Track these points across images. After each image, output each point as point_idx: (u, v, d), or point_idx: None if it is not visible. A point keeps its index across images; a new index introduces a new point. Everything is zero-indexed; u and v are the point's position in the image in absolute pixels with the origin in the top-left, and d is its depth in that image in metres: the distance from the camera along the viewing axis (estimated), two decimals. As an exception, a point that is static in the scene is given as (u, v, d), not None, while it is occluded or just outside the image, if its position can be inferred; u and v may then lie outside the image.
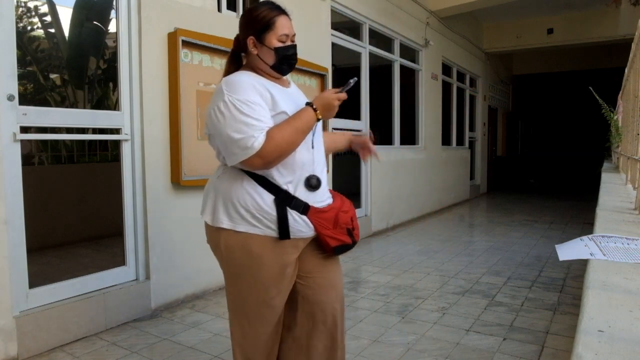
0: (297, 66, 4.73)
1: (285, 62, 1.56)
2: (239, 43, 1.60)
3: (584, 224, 6.42)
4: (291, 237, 1.50)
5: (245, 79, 1.47)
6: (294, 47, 1.58)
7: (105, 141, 6.10)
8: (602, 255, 1.26)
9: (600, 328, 0.79)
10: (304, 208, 1.51)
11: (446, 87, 8.49)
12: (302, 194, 1.51)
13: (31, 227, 2.65)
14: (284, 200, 1.49)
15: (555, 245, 1.45)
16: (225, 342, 2.67)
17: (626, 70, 4.20)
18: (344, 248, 1.61)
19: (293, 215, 1.49)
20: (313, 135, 1.55)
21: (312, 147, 1.56)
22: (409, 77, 7.29)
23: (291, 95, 1.59)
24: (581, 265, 3.99)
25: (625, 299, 0.94)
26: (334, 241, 1.57)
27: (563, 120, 15.20)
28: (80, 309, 2.72)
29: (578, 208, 8.14)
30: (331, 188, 1.73)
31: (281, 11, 1.55)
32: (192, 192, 3.35)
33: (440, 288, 3.66)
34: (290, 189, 1.50)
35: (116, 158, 4.04)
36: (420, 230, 6.22)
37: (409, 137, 7.37)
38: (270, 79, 1.58)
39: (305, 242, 1.58)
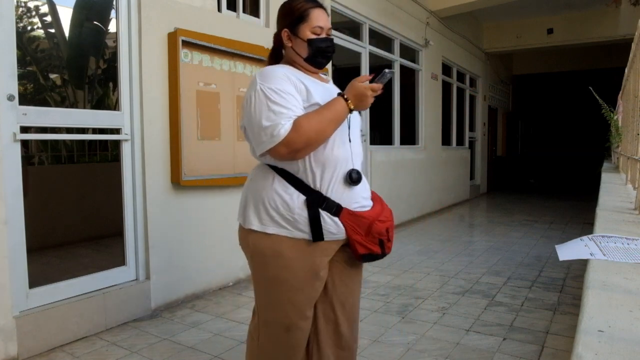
0: (297, 66, 4.68)
1: (319, 55, 1.54)
2: (277, 38, 1.59)
3: (584, 224, 6.42)
4: (325, 239, 1.46)
5: (278, 69, 1.46)
6: (329, 39, 1.55)
7: (105, 141, 6.10)
8: (602, 255, 1.26)
9: (600, 328, 0.79)
10: (336, 209, 1.45)
11: (446, 87, 8.49)
12: (336, 193, 1.46)
13: (31, 227, 2.64)
14: (316, 200, 1.43)
15: (555, 246, 1.45)
16: (225, 342, 2.67)
17: (626, 70, 4.20)
18: (372, 257, 1.54)
19: (324, 217, 1.44)
20: (349, 128, 1.50)
21: (350, 141, 1.52)
22: (409, 77, 7.29)
23: (328, 90, 1.54)
24: (581, 265, 3.99)
25: (625, 299, 0.94)
26: (362, 248, 1.50)
27: (563, 120, 15.20)
28: (80, 309, 2.72)
29: (578, 208, 8.14)
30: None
31: (316, 4, 1.54)
32: (192, 192, 3.35)
33: (440, 288, 3.66)
34: (324, 188, 1.45)
35: (116, 158, 4.03)
36: (420, 230, 6.22)
37: (409, 137, 7.37)
38: (306, 72, 1.55)
39: (337, 245, 1.53)
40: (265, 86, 1.40)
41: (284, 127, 1.36)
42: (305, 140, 1.37)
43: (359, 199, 1.51)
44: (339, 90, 1.56)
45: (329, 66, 4.88)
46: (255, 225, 1.47)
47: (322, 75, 1.66)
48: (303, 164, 1.44)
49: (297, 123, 1.37)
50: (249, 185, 1.54)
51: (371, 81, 1.46)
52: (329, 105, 1.42)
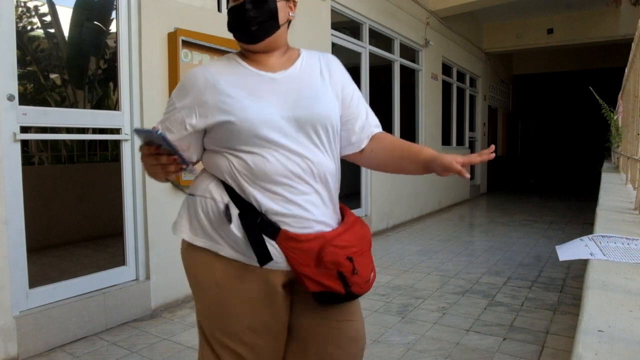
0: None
1: (236, 26, 1.17)
2: None
3: (584, 224, 6.42)
4: (250, 264, 1.16)
5: (193, 72, 1.19)
6: (239, 5, 1.15)
7: (105, 141, 6.10)
8: (602, 255, 1.26)
9: (600, 328, 0.79)
10: (272, 229, 1.12)
11: (446, 87, 8.49)
12: (276, 211, 1.13)
13: (31, 227, 2.65)
14: (251, 216, 1.13)
15: (556, 246, 1.45)
16: (225, 342, 2.67)
17: (626, 70, 4.20)
18: (331, 297, 1.15)
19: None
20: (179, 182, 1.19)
21: (295, 151, 1.13)
22: (409, 77, 7.29)
23: (282, 83, 1.18)
24: (581, 265, 3.99)
25: (625, 299, 0.94)
26: (313, 285, 1.13)
27: (563, 120, 15.20)
28: (80, 309, 2.72)
29: (578, 208, 8.14)
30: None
31: None
32: (192, 192, 3.35)
33: (440, 288, 3.66)
34: (259, 202, 1.13)
35: (116, 158, 4.04)
36: (420, 230, 6.22)
37: (409, 137, 7.37)
38: (251, 59, 1.22)
39: (286, 277, 1.19)
40: (173, 93, 1.21)
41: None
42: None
43: (301, 219, 1.14)
44: (311, 77, 1.24)
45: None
46: (187, 235, 1.32)
47: (302, 50, 1.30)
48: (233, 178, 1.16)
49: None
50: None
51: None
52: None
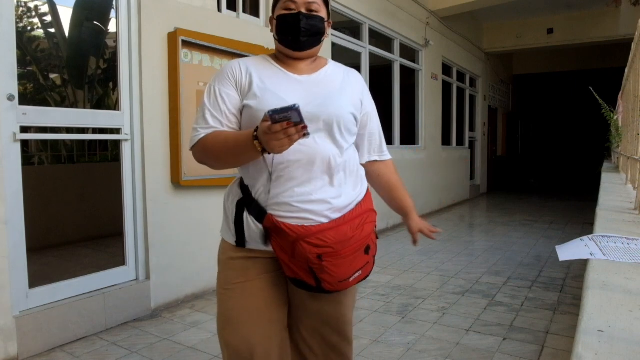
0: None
1: (284, 31, 1.31)
2: None
3: (584, 224, 6.42)
4: (247, 246, 1.29)
5: (230, 63, 1.35)
6: (295, 14, 1.29)
7: (105, 141, 6.10)
8: (602, 255, 1.26)
9: (600, 328, 0.79)
10: (258, 214, 1.25)
11: (446, 87, 8.49)
12: (268, 197, 1.25)
13: (31, 227, 2.65)
14: (245, 201, 1.28)
15: (556, 246, 1.45)
16: (225, 342, 2.67)
17: (626, 70, 4.20)
18: (303, 285, 1.27)
19: (249, 221, 1.27)
20: (267, 163, 1.26)
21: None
22: (409, 77, 7.29)
23: (305, 85, 1.32)
24: (581, 265, 3.99)
25: (625, 299, 0.94)
26: (288, 270, 1.25)
27: (563, 120, 15.20)
28: (80, 309, 2.72)
29: (578, 208, 8.14)
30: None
31: None
32: (192, 192, 3.35)
33: (440, 288, 3.66)
34: (255, 188, 1.28)
35: (116, 158, 4.04)
36: (420, 230, 6.21)
37: (409, 137, 7.37)
38: (284, 63, 1.36)
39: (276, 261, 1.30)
40: (211, 85, 1.33)
41: (197, 137, 1.29)
42: (203, 158, 1.30)
43: (299, 205, 1.24)
44: (340, 83, 1.38)
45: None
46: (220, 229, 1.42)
47: (329, 60, 1.45)
48: (242, 166, 1.33)
49: (203, 141, 1.27)
50: None
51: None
52: (237, 139, 1.22)
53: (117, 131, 3.05)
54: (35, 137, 4.95)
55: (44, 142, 5.83)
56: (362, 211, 1.33)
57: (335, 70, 1.41)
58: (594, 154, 11.31)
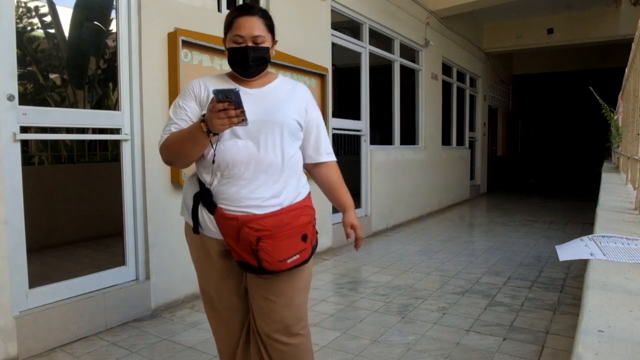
0: (296, 66, 4.69)
1: (239, 64, 1.54)
2: None
3: (584, 224, 6.42)
4: (201, 232, 1.56)
5: (192, 82, 1.59)
6: (241, 50, 1.51)
7: (105, 141, 6.10)
8: (602, 255, 1.26)
9: (600, 328, 0.79)
10: (211, 206, 1.50)
11: (446, 87, 8.49)
12: (219, 192, 1.49)
13: (31, 227, 2.65)
14: (200, 194, 1.53)
15: (556, 246, 1.45)
16: (225, 342, 2.67)
17: (626, 70, 4.20)
18: (249, 267, 1.49)
19: (203, 213, 1.52)
20: (212, 143, 1.45)
21: (247, 146, 1.48)
22: (409, 77, 7.29)
23: (254, 97, 1.54)
24: (581, 265, 3.99)
25: (625, 299, 0.94)
26: (235, 254, 1.51)
27: (563, 120, 15.19)
28: (80, 309, 2.72)
29: (578, 208, 8.14)
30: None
31: (244, 12, 1.52)
32: (192, 192, 3.35)
33: (440, 288, 3.66)
34: (211, 185, 1.51)
35: (116, 158, 4.03)
36: (420, 230, 6.22)
37: (409, 137, 7.37)
38: (239, 81, 1.59)
39: (222, 246, 1.57)
40: (176, 100, 1.58)
41: (161, 141, 1.53)
42: (166, 154, 1.53)
43: (241, 202, 1.47)
44: (287, 93, 1.62)
45: (329, 66, 4.88)
46: (180, 212, 1.67)
47: (279, 75, 1.67)
48: (199, 163, 1.55)
49: (165, 140, 1.51)
50: None
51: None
52: (189, 126, 1.47)
53: (117, 131, 3.05)
54: (35, 137, 4.95)
55: (44, 142, 5.83)
56: (300, 206, 1.55)
57: (282, 84, 1.64)
58: (594, 154, 11.31)
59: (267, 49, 1.55)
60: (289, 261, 1.47)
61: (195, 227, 1.56)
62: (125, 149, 3.04)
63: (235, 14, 1.52)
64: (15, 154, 2.45)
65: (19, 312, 2.47)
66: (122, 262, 3.08)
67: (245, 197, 1.47)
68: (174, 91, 3.19)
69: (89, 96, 5.83)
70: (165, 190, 3.20)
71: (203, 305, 1.80)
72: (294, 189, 1.55)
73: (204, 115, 1.38)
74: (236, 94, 1.28)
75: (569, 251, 1.33)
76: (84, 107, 5.66)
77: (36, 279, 2.62)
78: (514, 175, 12.85)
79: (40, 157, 6.01)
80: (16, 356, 2.41)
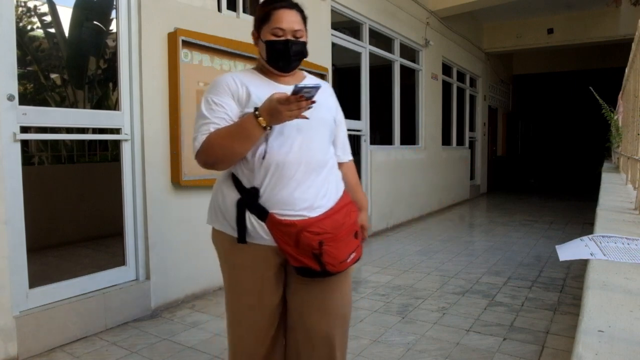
0: (297, 66, 4.65)
1: (277, 58, 1.46)
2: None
3: (584, 224, 6.42)
4: (248, 241, 1.43)
5: (223, 78, 1.46)
6: (286, 42, 1.44)
7: (105, 141, 6.10)
8: (602, 255, 1.25)
9: (600, 328, 0.79)
10: (261, 213, 1.40)
11: (446, 87, 8.49)
12: (268, 197, 1.40)
13: (31, 227, 2.64)
14: (246, 201, 1.42)
15: (556, 246, 1.45)
16: (225, 342, 2.66)
17: (626, 70, 4.20)
18: (309, 272, 1.42)
19: (251, 219, 1.41)
20: (266, 140, 1.39)
21: (297, 146, 1.42)
22: (409, 77, 7.29)
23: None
24: (581, 265, 3.99)
25: (625, 299, 0.94)
26: (294, 261, 1.41)
27: (563, 120, 15.19)
28: (80, 309, 2.72)
29: (578, 208, 8.14)
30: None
31: (283, 4, 1.46)
32: (192, 192, 3.35)
33: (440, 288, 3.66)
34: (259, 190, 1.41)
35: (116, 158, 4.04)
36: (420, 230, 6.22)
37: (409, 137, 7.37)
38: (271, 76, 1.52)
39: (279, 252, 1.45)
40: (206, 96, 1.45)
41: (197, 140, 1.40)
42: (209, 154, 1.40)
43: (295, 205, 1.40)
44: (322, 95, 1.55)
45: (329, 66, 4.88)
46: (208, 220, 1.56)
47: (305, 73, 1.62)
48: (240, 165, 1.44)
49: (207, 138, 1.39)
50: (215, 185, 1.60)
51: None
52: (240, 121, 1.38)
53: (117, 131, 3.05)
54: (35, 137, 4.95)
55: (44, 142, 5.83)
56: (345, 203, 1.51)
57: (312, 82, 1.57)
58: (594, 154, 11.30)
59: (306, 43, 1.50)
60: (348, 260, 1.44)
61: (241, 237, 1.44)
62: (125, 149, 3.04)
63: (274, 6, 1.45)
64: (15, 154, 2.45)
65: (19, 312, 2.47)
66: (122, 262, 3.08)
67: (299, 199, 1.40)
68: (174, 91, 3.19)
69: (89, 96, 5.83)
70: (165, 190, 3.20)
71: (227, 317, 1.60)
72: (335, 186, 1.51)
73: (256, 109, 1.32)
74: (317, 89, 1.26)
75: (569, 251, 1.33)
76: (84, 107, 5.66)
77: (36, 279, 2.62)
78: (514, 175, 12.85)
79: (40, 157, 6.01)
80: (16, 356, 2.41)
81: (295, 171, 1.41)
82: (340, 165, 1.64)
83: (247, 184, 1.43)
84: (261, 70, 1.53)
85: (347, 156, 1.69)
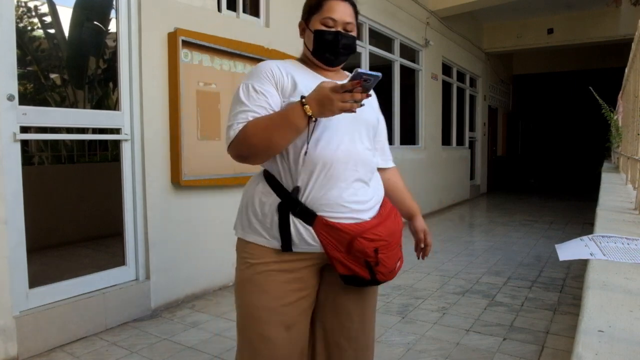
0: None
1: (325, 49, 1.35)
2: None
3: (584, 224, 6.42)
4: (294, 249, 1.29)
5: (267, 64, 1.34)
6: (334, 33, 1.33)
7: (105, 141, 6.10)
8: (602, 255, 1.25)
9: (600, 328, 0.79)
10: (309, 216, 1.26)
11: (446, 87, 8.49)
12: (314, 199, 1.27)
13: (31, 227, 2.65)
14: (289, 204, 1.27)
15: (555, 245, 1.45)
16: (225, 342, 2.67)
17: (626, 70, 4.20)
18: (357, 281, 1.32)
19: (296, 224, 1.27)
20: (308, 132, 1.22)
21: (344, 142, 1.30)
22: (409, 77, 7.29)
23: None
24: (581, 265, 3.99)
25: (625, 299, 0.94)
26: (342, 268, 1.28)
27: (563, 120, 15.19)
28: (80, 309, 2.72)
29: (578, 208, 8.14)
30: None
31: None
32: (193, 192, 3.35)
33: (440, 288, 3.66)
34: (301, 191, 1.27)
35: (116, 158, 4.03)
36: (420, 230, 6.20)
37: (409, 137, 7.37)
38: (316, 69, 1.40)
39: (321, 259, 1.34)
40: (246, 82, 1.32)
41: (233, 129, 1.25)
42: (245, 145, 1.24)
43: (345, 207, 1.28)
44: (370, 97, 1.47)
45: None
46: (237, 231, 1.39)
47: (347, 73, 1.48)
48: (281, 164, 1.30)
49: (244, 128, 1.23)
50: (244, 190, 1.45)
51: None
52: (283, 110, 1.25)
53: (117, 131, 3.05)
54: (35, 137, 4.95)
55: (44, 142, 5.84)
56: (390, 207, 1.42)
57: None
58: (594, 154, 11.30)
59: (356, 38, 1.40)
60: (396, 269, 1.37)
61: (286, 245, 1.28)
62: (125, 149, 3.04)
63: None
64: (15, 154, 2.45)
65: (19, 312, 2.47)
66: (122, 262, 3.08)
67: (349, 200, 1.28)
68: (174, 91, 3.19)
69: (89, 96, 5.83)
70: (165, 190, 3.20)
71: (244, 334, 1.37)
72: (379, 188, 1.42)
73: (303, 97, 1.17)
74: (377, 78, 1.12)
75: (569, 251, 1.33)
76: (84, 107, 5.66)
77: (36, 279, 2.62)
78: (514, 175, 12.85)
79: (40, 157, 6.01)
80: (16, 356, 2.41)
81: (344, 170, 1.29)
82: (383, 171, 1.55)
83: (287, 184, 1.29)
84: (304, 62, 1.43)
85: (389, 162, 1.60)
